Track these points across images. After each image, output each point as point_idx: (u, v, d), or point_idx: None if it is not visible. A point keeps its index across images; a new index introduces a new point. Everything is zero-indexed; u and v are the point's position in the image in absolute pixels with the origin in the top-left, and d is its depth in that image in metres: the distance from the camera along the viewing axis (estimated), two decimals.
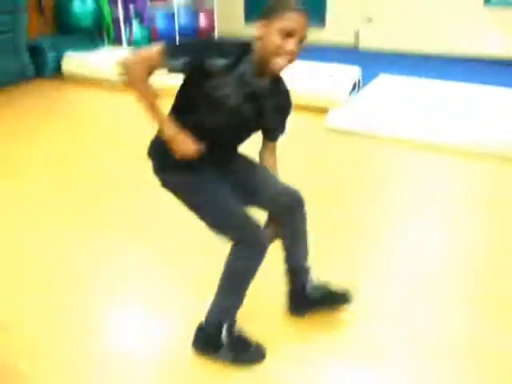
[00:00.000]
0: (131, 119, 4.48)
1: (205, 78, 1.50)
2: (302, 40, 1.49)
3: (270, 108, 1.66)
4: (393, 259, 2.36)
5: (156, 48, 1.47)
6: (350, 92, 4.41)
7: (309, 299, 1.89)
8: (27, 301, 2.02)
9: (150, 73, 1.50)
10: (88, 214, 2.70)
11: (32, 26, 5.76)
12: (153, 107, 1.51)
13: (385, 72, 5.34)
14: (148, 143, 1.74)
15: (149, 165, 1.72)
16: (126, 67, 1.47)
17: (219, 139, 1.64)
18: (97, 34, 6.47)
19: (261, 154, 1.81)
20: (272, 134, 1.78)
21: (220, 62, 1.49)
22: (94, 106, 5.03)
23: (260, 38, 1.51)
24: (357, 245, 2.45)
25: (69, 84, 5.61)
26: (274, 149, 1.80)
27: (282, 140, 1.80)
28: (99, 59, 5.61)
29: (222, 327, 1.69)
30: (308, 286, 1.88)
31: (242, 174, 1.78)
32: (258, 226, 1.66)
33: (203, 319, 1.73)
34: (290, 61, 1.51)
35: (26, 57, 5.48)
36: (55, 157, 3.55)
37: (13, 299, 2.04)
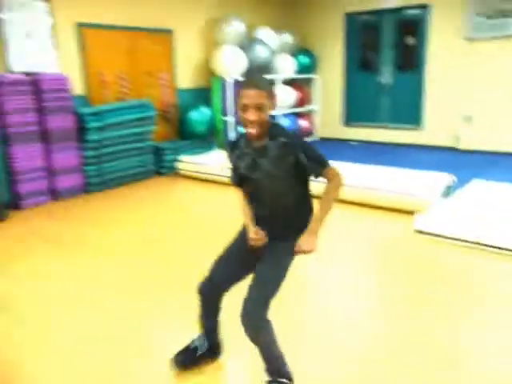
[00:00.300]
0: (227, 210, 5.02)
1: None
2: (259, 108, 1.77)
3: (279, 161, 1.85)
4: None
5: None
6: (442, 196, 4.47)
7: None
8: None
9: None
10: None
11: (160, 133, 6.89)
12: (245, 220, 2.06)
13: (483, 174, 5.30)
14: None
15: None
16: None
17: (260, 202, 2.00)
18: (209, 138, 7.44)
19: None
20: (311, 172, 1.90)
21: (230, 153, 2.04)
22: (197, 198, 5.67)
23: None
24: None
25: (181, 180, 6.44)
26: (328, 181, 1.92)
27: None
28: (209, 160, 6.41)
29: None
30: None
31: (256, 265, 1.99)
32: (209, 280, 2.07)
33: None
34: (258, 127, 1.81)
35: (149, 157, 6.49)
36: (149, 238, 4.10)
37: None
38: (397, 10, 8.25)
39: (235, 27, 7.47)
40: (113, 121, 5.91)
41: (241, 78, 7.22)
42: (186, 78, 7.41)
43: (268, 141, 1.87)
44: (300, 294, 3.05)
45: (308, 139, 9.21)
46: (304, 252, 1.87)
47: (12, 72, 5.25)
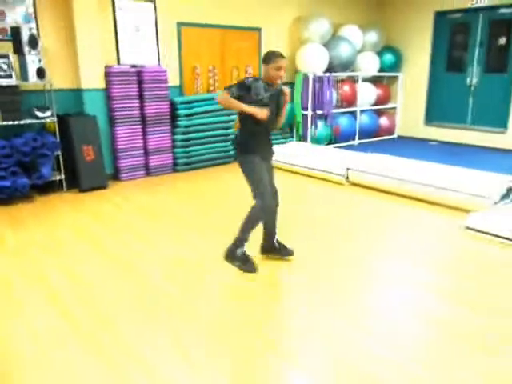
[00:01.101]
0: (293, 194, 5.45)
1: (247, 92, 3.09)
2: (284, 70, 3.11)
3: (277, 103, 3.23)
4: None
5: (224, 91, 3.11)
6: (502, 198, 4.52)
7: (274, 248, 3.49)
8: None
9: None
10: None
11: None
12: (237, 106, 3.06)
13: None
14: None
15: None
16: (220, 102, 3.14)
17: (262, 126, 3.15)
18: (289, 131, 7.92)
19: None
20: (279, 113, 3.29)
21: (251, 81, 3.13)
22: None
23: (265, 71, 3.14)
24: None
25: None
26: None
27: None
28: (285, 150, 6.87)
29: (237, 248, 3.29)
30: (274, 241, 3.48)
31: (269, 171, 3.31)
32: (271, 197, 3.23)
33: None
34: (283, 77, 3.14)
35: (230, 145, 7.13)
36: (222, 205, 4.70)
37: None
38: (490, 9, 8.02)
39: (320, 25, 7.83)
40: (201, 109, 6.63)
41: (319, 74, 7.59)
42: None
43: (279, 88, 3.22)
44: (364, 283, 3.44)
45: (388, 137, 9.30)
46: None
47: (121, 64, 6.17)
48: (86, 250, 3.82)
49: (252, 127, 3.14)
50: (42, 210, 4.94)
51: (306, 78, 7.75)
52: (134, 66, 6.14)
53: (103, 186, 5.76)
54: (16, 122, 5.14)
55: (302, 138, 8.00)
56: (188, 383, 2.20)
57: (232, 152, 7.15)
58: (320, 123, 8.04)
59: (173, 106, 6.49)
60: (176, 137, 6.52)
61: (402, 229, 4.33)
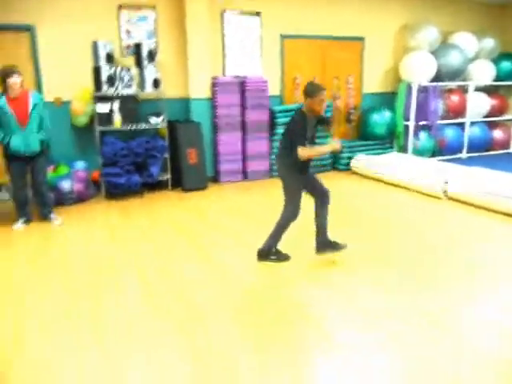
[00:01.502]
0: (385, 205, 5.35)
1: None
2: (325, 100, 3.36)
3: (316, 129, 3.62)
4: None
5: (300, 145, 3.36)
6: None
7: (330, 242, 3.68)
8: None
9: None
10: None
11: (339, 132, 7.56)
12: (317, 153, 3.71)
13: None
14: None
15: None
16: (304, 157, 3.38)
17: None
18: (388, 141, 7.74)
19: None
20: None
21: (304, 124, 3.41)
22: (360, 191, 6.09)
23: (307, 104, 3.35)
24: None
25: (353, 176, 6.94)
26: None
27: None
28: (383, 161, 6.75)
29: (271, 248, 3.67)
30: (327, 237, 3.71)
31: (310, 179, 3.67)
32: (299, 208, 3.57)
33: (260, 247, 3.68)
34: (324, 108, 3.42)
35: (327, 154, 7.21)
36: None
37: None
38: None
39: (429, 33, 7.56)
40: None
41: (424, 84, 7.33)
42: (371, 82, 7.87)
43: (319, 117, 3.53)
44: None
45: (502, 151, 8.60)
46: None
47: (226, 75, 6.63)
48: (181, 241, 4.21)
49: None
50: (148, 204, 5.52)
51: (409, 87, 7.52)
52: (237, 77, 6.55)
53: (203, 187, 6.22)
54: (134, 127, 5.83)
55: (403, 149, 7.75)
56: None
57: (328, 161, 7.23)
58: (423, 134, 7.72)
59: (272, 115, 6.78)
60: (274, 144, 6.79)
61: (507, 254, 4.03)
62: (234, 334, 2.67)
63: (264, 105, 6.61)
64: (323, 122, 3.68)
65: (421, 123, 7.64)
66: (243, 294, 3.17)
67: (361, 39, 7.59)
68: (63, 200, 5.48)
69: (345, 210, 5.18)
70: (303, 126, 3.35)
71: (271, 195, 5.86)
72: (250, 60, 6.84)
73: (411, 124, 7.60)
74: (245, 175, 6.78)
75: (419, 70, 7.52)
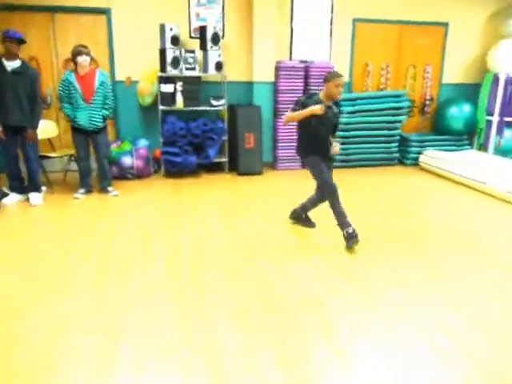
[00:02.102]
0: (457, 212, 4.95)
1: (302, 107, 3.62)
2: (342, 86, 3.62)
3: (335, 113, 3.79)
4: None
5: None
6: None
7: (301, 217, 4.23)
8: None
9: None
10: None
11: (411, 124, 7.10)
12: (296, 115, 3.62)
13: None
14: None
15: None
16: (285, 122, 3.83)
17: (321, 133, 3.68)
18: (466, 137, 7.09)
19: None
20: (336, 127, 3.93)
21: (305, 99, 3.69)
22: (426, 191, 5.66)
23: (326, 89, 3.65)
24: None
25: (420, 173, 6.48)
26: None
27: None
28: (457, 158, 6.21)
29: (303, 213, 4.17)
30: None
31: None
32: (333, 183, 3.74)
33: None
34: (340, 93, 3.65)
35: (395, 146, 6.80)
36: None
37: None
38: None
39: None
40: (365, 107, 6.51)
41: None
42: (452, 72, 7.23)
43: (331, 106, 3.73)
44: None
45: None
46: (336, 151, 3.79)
47: (292, 59, 6.50)
48: (217, 222, 4.27)
49: (311, 135, 3.73)
50: (202, 185, 5.66)
51: (496, 78, 6.80)
52: (303, 62, 6.39)
53: (259, 172, 6.22)
54: (195, 108, 5.97)
55: (483, 147, 7.07)
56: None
57: (394, 154, 6.84)
58: (508, 132, 6.96)
59: (335, 103, 6.53)
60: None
61: None
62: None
63: None
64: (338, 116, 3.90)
65: (506, 119, 6.88)
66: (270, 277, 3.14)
67: (444, 24, 6.98)
68: (124, 175, 5.82)
69: (407, 210, 4.88)
70: (303, 102, 3.62)
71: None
72: (319, 45, 6.62)
73: (495, 119, 6.88)
74: (303, 163, 6.65)
75: (509, 60, 6.76)
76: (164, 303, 2.83)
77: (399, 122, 6.68)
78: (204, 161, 6.04)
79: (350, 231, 3.65)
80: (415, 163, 6.79)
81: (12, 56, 4.51)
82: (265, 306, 2.80)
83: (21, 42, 4.52)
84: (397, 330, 2.56)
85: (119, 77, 6.11)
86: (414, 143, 6.82)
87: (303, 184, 5.73)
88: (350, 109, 6.46)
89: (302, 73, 6.28)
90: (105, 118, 4.96)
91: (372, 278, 3.21)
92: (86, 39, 5.81)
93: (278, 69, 6.26)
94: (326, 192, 3.75)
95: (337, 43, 6.67)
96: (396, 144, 6.80)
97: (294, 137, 6.37)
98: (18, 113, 4.58)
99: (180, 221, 4.32)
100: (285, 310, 2.76)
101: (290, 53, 6.54)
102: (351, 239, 3.63)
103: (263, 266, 3.38)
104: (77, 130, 4.95)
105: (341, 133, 6.50)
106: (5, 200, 4.80)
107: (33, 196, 4.83)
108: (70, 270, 3.26)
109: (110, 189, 5.20)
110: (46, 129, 5.58)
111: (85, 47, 4.81)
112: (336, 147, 3.76)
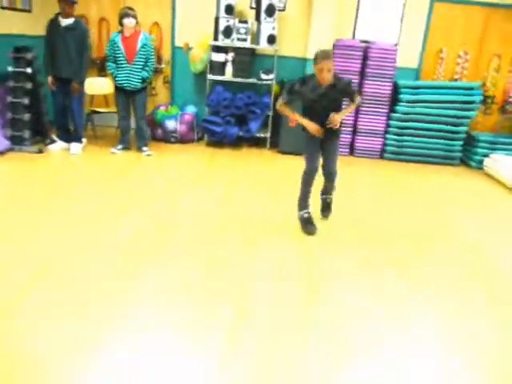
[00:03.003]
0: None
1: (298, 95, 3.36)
2: (328, 70, 3.12)
3: (336, 95, 3.29)
4: None
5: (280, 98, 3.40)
6: None
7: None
8: None
9: (286, 104, 3.40)
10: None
11: (484, 122, 6.29)
12: (293, 117, 3.40)
13: None
14: None
15: None
16: (278, 111, 3.48)
17: (318, 116, 3.31)
18: None
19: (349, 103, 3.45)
20: (350, 98, 3.39)
21: (299, 86, 3.32)
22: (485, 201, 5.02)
23: (315, 71, 3.20)
24: None
25: (483, 179, 5.71)
26: (353, 103, 3.39)
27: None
28: None
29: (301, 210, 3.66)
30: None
31: (326, 151, 3.53)
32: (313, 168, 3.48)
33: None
34: (328, 79, 3.16)
35: (459, 145, 6.08)
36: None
37: None
38: None
39: None
40: (428, 97, 5.89)
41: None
42: None
43: (333, 84, 3.24)
44: None
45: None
46: (333, 122, 3.25)
47: (355, 38, 6.09)
48: (243, 190, 4.26)
49: (308, 113, 3.43)
50: (240, 157, 5.65)
51: None
52: (364, 42, 5.96)
53: (299, 153, 6.01)
54: (242, 80, 5.93)
55: None
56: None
57: (456, 153, 6.12)
58: None
59: (396, 89, 6.01)
60: (391, 122, 6.05)
61: None
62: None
63: (387, 76, 5.89)
64: (345, 91, 3.33)
65: None
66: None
67: None
68: (167, 138, 6.04)
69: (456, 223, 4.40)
70: (298, 85, 3.33)
71: (371, 177, 5.30)
72: (387, 24, 6.10)
73: None
74: (352, 151, 6.28)
75: None
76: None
77: (467, 117, 5.93)
78: (245, 134, 6.00)
79: (305, 216, 3.57)
80: (480, 167, 6.01)
81: (66, 14, 4.87)
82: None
83: (72, 2, 4.85)
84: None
85: (178, 42, 6.28)
86: (481, 144, 6.02)
87: (348, 172, 5.42)
88: (411, 97, 5.89)
89: (359, 53, 5.85)
90: (144, 80, 5.16)
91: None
92: (152, 3, 6.05)
93: (334, 47, 5.91)
94: (304, 172, 3.54)
95: (408, 24, 6.08)
96: (460, 142, 6.07)
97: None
98: (66, 65, 4.97)
99: (198, 187, 4.39)
100: None
101: (354, 31, 6.13)
102: (304, 224, 3.56)
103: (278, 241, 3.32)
104: (118, 90, 5.22)
105: (397, 123, 6.00)
106: (51, 146, 5.30)
107: (73, 146, 5.26)
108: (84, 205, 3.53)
109: (144, 148, 5.44)
110: (102, 85, 5.99)
111: (131, 9, 5.01)
112: (333, 117, 3.24)
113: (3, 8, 5.16)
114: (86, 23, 5.99)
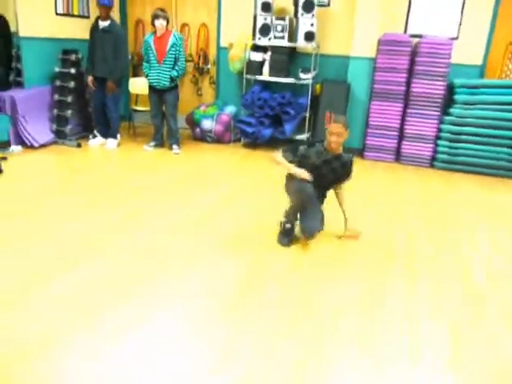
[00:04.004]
0: None
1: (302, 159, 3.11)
2: (338, 135, 2.98)
3: (338, 166, 3.12)
4: None
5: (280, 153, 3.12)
6: None
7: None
8: None
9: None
10: None
11: None
12: (284, 166, 3.08)
13: None
14: None
15: None
16: (275, 162, 3.12)
17: (317, 181, 3.06)
18: None
19: (337, 193, 3.35)
20: (340, 183, 3.27)
21: (305, 149, 3.12)
22: None
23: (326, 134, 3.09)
24: None
25: None
26: (341, 188, 3.31)
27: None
28: None
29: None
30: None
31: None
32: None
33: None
34: (336, 145, 3.02)
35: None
36: None
37: None
38: None
39: None
40: (490, 98, 5.06)
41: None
42: None
43: (339, 156, 3.12)
44: None
45: None
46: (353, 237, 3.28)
47: (406, 33, 5.49)
48: (242, 199, 4.13)
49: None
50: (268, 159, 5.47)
51: None
52: (415, 36, 5.34)
53: None
54: (278, 80, 5.71)
55: None
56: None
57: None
58: None
59: (450, 89, 5.28)
60: (443, 126, 5.32)
61: None
62: None
63: (440, 74, 5.20)
64: (345, 167, 3.17)
65: None
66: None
67: None
68: (204, 137, 6.08)
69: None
70: (304, 147, 3.11)
71: (420, 191, 4.59)
72: (446, 16, 5.37)
73: None
74: (398, 157, 5.67)
75: None
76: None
77: None
78: (280, 136, 5.78)
79: (287, 226, 3.22)
80: None
81: (103, 17, 5.18)
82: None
83: (105, 5, 5.13)
84: None
85: (223, 42, 6.29)
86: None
87: (392, 180, 4.87)
88: (468, 98, 5.12)
89: (408, 49, 5.25)
90: (173, 79, 5.25)
91: None
92: (200, 5, 6.17)
93: (379, 42, 5.39)
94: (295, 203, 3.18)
95: (471, 14, 5.29)
96: None
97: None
98: (102, 65, 5.27)
99: (211, 187, 4.34)
100: None
101: (406, 25, 5.52)
102: (282, 233, 3.24)
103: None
104: (151, 89, 5.39)
105: (450, 127, 5.27)
106: (91, 141, 5.66)
107: (109, 141, 5.56)
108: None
109: (174, 147, 5.53)
110: (144, 85, 6.24)
111: (162, 11, 5.13)
112: (305, 174, 3.00)
113: (58, 14, 5.66)
114: (121, 26, 6.34)
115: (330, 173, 3.13)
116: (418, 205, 4.18)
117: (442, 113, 5.35)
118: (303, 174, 3.01)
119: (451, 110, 5.26)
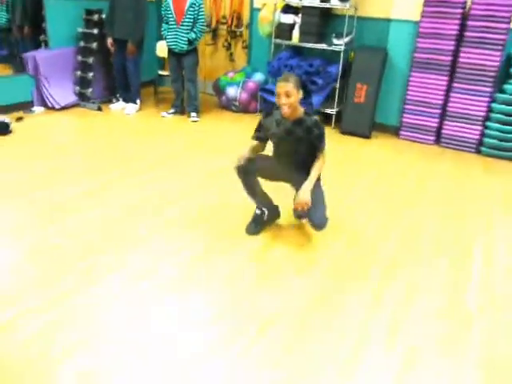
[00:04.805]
0: None
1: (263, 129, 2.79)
2: (287, 95, 2.51)
3: (302, 134, 2.65)
4: None
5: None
6: None
7: None
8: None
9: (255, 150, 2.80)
10: None
11: None
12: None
13: None
14: None
15: None
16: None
17: (288, 160, 2.78)
18: None
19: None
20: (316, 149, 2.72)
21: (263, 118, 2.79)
22: None
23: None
24: None
25: None
26: (319, 158, 2.71)
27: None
28: None
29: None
30: None
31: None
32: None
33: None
34: (288, 108, 2.54)
35: None
36: None
37: None
38: None
39: None
40: None
41: None
42: None
43: (301, 120, 2.65)
44: None
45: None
46: (301, 204, 2.51)
47: None
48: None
49: (278, 161, 2.85)
50: None
51: None
52: None
53: (366, 136, 5.01)
54: (308, 45, 5.15)
55: None
56: None
57: None
58: None
59: (507, 61, 4.40)
60: (495, 106, 4.49)
61: None
62: None
63: (496, 43, 4.33)
64: (310, 133, 2.66)
65: None
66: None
67: None
68: (229, 106, 5.74)
69: None
70: (260, 122, 2.78)
71: (459, 181, 3.95)
72: None
73: None
74: (438, 138, 4.93)
75: None
76: None
77: None
78: (307, 108, 5.24)
79: (257, 212, 2.93)
80: None
81: None
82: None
83: None
84: None
85: (257, 3, 5.80)
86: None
87: (430, 167, 4.23)
88: None
89: (458, 10, 4.41)
90: (190, 42, 4.93)
91: None
92: None
93: (424, 3, 4.59)
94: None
95: None
96: None
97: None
98: (122, 27, 5.08)
99: (215, 156, 4.11)
100: None
101: None
102: (251, 221, 2.96)
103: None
104: (170, 52, 5.12)
105: (504, 107, 4.44)
106: (113, 105, 5.59)
107: (128, 106, 5.44)
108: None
109: (193, 114, 5.28)
110: None
111: None
112: (299, 199, 2.51)
113: None
114: None
115: (297, 143, 2.68)
116: (454, 199, 3.55)
117: (494, 89, 4.50)
118: (238, 159, 2.68)
119: (506, 87, 4.40)
